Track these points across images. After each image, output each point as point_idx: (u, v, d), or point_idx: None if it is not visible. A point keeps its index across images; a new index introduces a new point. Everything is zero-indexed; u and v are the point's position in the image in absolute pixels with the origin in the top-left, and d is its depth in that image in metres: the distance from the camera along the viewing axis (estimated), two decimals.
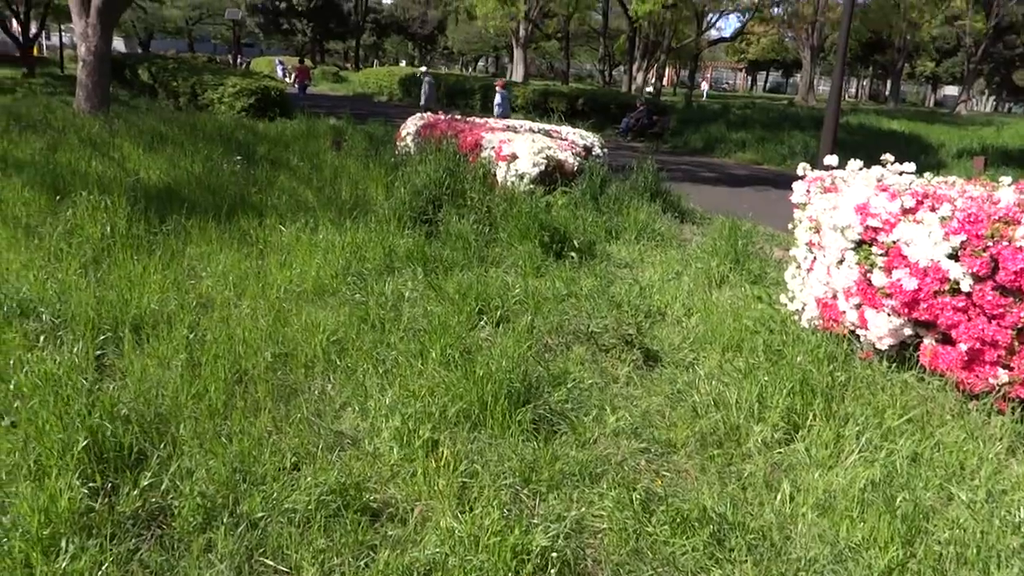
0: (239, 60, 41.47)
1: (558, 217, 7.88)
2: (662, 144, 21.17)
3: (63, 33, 41.58)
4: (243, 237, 6.81)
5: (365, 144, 11.97)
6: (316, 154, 11.27)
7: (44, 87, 23.74)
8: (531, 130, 10.35)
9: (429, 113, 11.79)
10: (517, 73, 42.45)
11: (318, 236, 6.77)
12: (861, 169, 5.42)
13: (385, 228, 7.12)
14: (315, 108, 20.18)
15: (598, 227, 8.10)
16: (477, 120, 11.26)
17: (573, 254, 6.92)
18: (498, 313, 5.32)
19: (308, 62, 42.25)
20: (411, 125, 11.21)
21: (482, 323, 5.19)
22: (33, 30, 31.22)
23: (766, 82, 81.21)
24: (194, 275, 5.81)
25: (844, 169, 5.52)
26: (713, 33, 59.17)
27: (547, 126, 10.99)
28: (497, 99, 18.74)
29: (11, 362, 3.97)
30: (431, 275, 6.06)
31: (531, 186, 8.73)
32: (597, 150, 10.17)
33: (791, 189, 5.48)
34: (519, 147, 9.08)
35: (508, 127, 10.53)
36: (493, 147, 9.30)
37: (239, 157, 9.98)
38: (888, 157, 5.30)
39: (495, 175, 9.00)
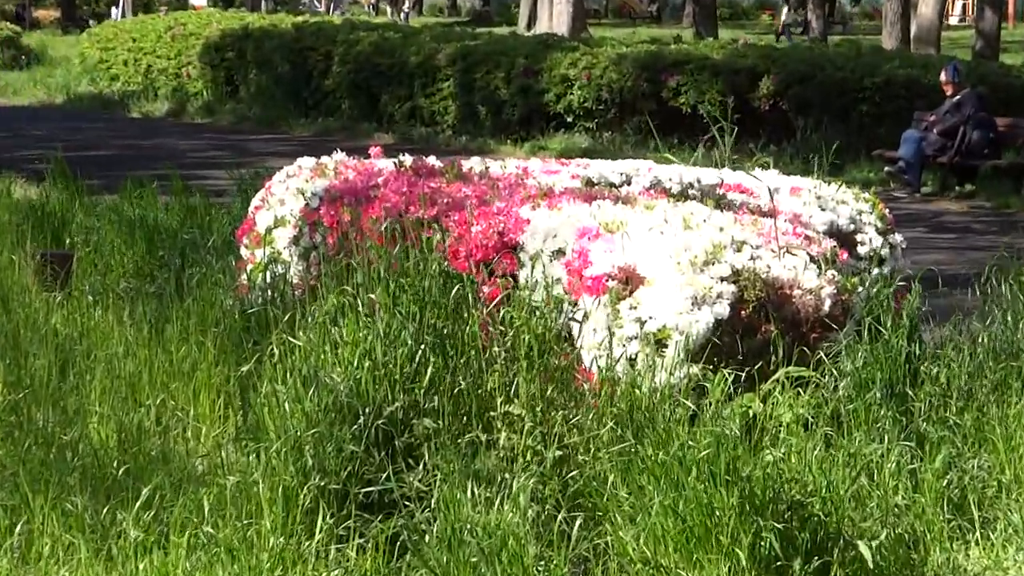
0: None
1: (796, 467, 6.53)
2: None
3: None
4: None
5: (140, 257, 10.96)
6: None
7: None
8: (661, 187, 8.97)
9: (342, 155, 10.22)
10: (553, 18, 36.49)
11: None
12: None
13: (252, 537, 6.33)
14: None
15: (924, 491, 6.99)
16: (490, 164, 9.81)
17: None
18: None
19: None
20: (289, 191, 9.60)
21: None
22: None
23: None
24: None
25: None
26: None
27: (703, 171, 9.68)
28: None
29: None
30: None
31: (693, 369, 7.24)
32: (874, 237, 8.84)
33: None
34: (645, 250, 7.59)
35: (588, 181, 9.15)
36: (556, 253, 7.90)
37: None
38: None
39: (572, 338, 7.62)
